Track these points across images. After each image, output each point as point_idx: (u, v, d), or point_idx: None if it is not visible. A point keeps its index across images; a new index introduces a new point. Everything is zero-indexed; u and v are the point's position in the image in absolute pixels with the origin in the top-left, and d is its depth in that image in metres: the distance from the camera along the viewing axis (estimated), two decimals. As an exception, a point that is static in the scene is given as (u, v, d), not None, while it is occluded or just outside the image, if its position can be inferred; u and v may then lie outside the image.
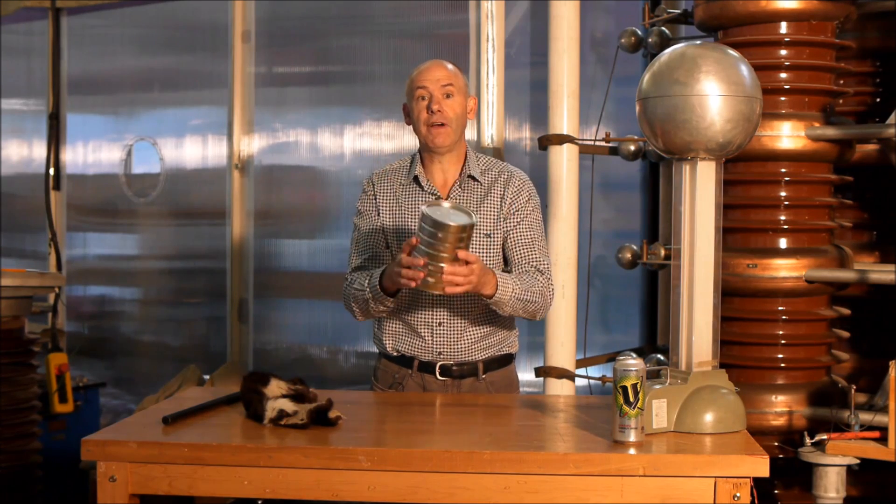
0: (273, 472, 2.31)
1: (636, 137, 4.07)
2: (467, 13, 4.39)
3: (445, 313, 2.91)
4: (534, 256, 2.90)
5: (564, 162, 3.81)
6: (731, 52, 2.51)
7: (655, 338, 4.54)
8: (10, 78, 5.94)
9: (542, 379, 3.85)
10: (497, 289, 2.74)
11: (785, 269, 3.65)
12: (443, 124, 2.86)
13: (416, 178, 2.94)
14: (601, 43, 4.61)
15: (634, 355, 2.34)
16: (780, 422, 3.62)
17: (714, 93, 2.42)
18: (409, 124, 2.96)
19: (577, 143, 3.83)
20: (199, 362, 5.13)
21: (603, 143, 3.95)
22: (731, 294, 3.68)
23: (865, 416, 3.27)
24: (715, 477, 2.24)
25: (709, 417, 2.43)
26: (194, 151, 5.39)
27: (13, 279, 4.15)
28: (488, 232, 2.91)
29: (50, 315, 5.23)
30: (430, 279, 2.59)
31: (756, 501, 2.24)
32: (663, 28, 4.24)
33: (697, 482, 2.24)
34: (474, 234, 2.62)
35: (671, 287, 2.58)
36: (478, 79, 4.11)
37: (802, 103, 3.70)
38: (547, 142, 3.83)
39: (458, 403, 2.83)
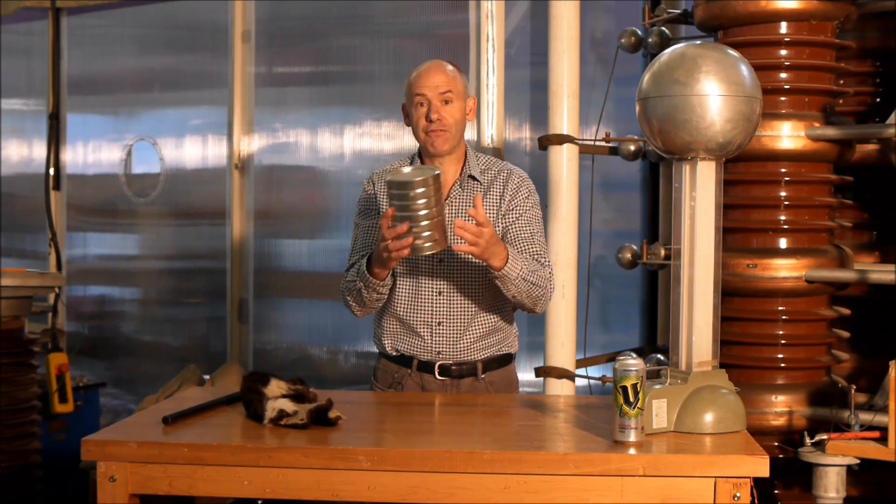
0: (273, 472, 2.31)
1: (636, 137, 4.07)
2: (467, 13, 4.38)
3: (445, 313, 2.90)
4: (535, 249, 2.89)
5: (564, 162, 3.81)
6: (731, 52, 2.51)
7: (655, 338, 4.54)
8: (10, 78, 5.93)
9: (541, 379, 3.85)
10: (507, 262, 2.71)
11: (785, 269, 3.65)
12: (442, 130, 2.86)
13: (416, 178, 2.94)
14: (601, 43, 4.61)
15: (634, 355, 2.34)
16: (780, 422, 3.62)
17: (714, 93, 2.42)
18: (408, 125, 2.95)
19: (577, 143, 3.83)
20: (199, 362, 5.12)
21: (603, 143, 3.95)
22: (731, 294, 3.68)
23: (865, 416, 3.27)
24: (715, 477, 2.24)
25: (709, 417, 2.43)
26: (194, 151, 5.38)
27: (13, 279, 4.15)
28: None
29: (50, 315, 5.23)
30: (420, 241, 2.57)
31: (756, 501, 2.24)
32: (663, 28, 4.24)
33: (697, 482, 2.24)
34: None
35: (671, 287, 2.58)
36: (478, 79, 4.11)
37: (802, 103, 3.70)
38: (547, 142, 3.83)
39: (458, 403, 2.83)
